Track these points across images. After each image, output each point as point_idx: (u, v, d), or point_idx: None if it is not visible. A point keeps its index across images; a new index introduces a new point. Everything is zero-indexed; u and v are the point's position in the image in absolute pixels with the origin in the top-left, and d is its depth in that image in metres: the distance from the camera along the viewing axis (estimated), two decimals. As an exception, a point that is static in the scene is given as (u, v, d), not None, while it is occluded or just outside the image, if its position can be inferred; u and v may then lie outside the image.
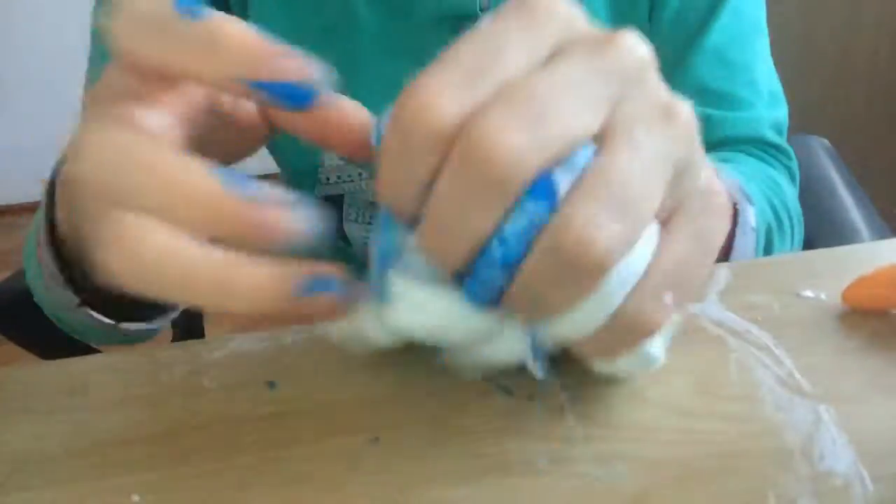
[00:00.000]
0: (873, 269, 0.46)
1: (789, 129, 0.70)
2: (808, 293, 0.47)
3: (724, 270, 0.50)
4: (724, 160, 0.60)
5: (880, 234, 0.77)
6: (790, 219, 0.58)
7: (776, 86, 0.68)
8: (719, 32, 0.64)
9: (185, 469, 0.38)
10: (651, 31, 0.64)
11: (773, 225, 0.56)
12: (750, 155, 0.63)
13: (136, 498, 0.36)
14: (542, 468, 0.37)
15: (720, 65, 0.64)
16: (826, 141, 0.92)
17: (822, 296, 0.47)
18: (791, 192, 0.62)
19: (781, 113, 0.66)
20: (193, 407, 0.41)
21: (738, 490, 0.35)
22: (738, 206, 0.49)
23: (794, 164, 0.65)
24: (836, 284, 0.46)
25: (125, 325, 0.47)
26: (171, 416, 0.41)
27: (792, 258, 0.52)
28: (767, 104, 0.65)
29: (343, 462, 0.38)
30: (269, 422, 0.40)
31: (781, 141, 0.64)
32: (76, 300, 0.45)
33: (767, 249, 0.54)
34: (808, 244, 0.77)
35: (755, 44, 0.67)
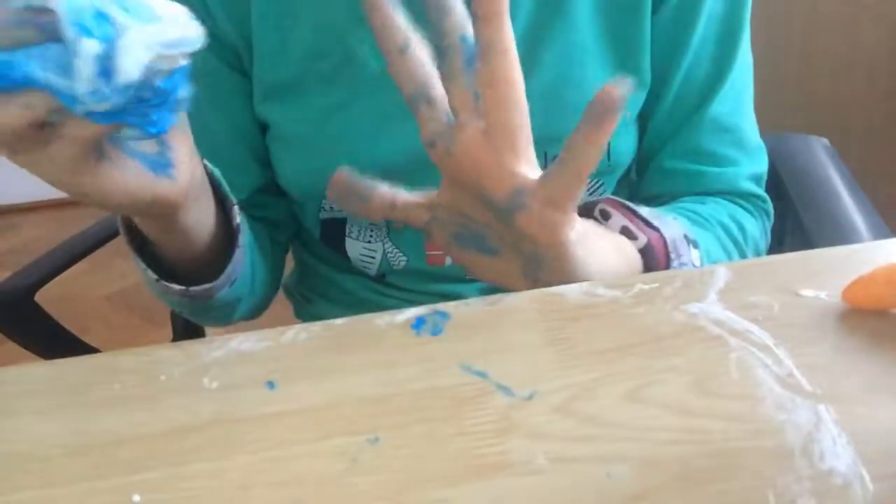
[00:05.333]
0: (873, 268, 0.46)
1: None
2: (808, 293, 0.47)
3: (723, 270, 0.50)
4: (689, 210, 0.67)
5: (880, 234, 0.77)
6: (741, 253, 0.68)
7: (757, 137, 0.74)
8: (719, 104, 0.69)
9: (185, 469, 0.38)
10: (652, 100, 0.69)
11: (721, 258, 0.64)
12: (725, 201, 0.71)
13: (136, 498, 0.37)
14: (542, 468, 0.37)
15: (716, 131, 0.70)
16: (826, 141, 0.92)
17: (822, 295, 0.47)
18: (756, 231, 0.71)
19: (761, 164, 0.73)
20: (193, 407, 0.41)
21: (738, 490, 0.35)
22: (670, 254, 0.56)
23: (769, 206, 0.74)
24: (836, 284, 0.46)
25: (193, 289, 0.57)
26: (171, 416, 0.41)
27: (792, 258, 0.52)
28: (750, 159, 0.72)
29: (343, 462, 0.38)
30: (269, 422, 0.40)
31: (758, 190, 0.72)
32: (154, 276, 0.56)
33: None
34: (808, 244, 0.77)
35: (746, 104, 0.73)
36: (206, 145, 0.65)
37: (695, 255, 0.58)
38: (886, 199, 1.06)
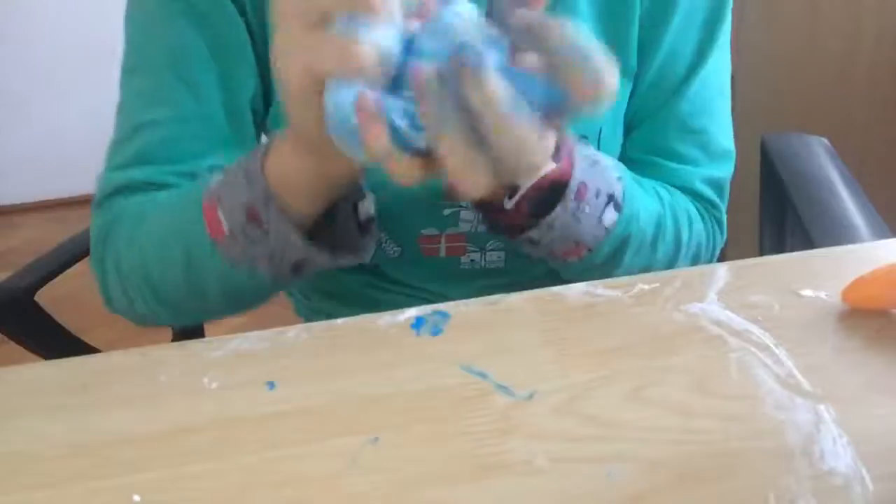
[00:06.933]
0: (873, 268, 0.46)
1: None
2: (808, 293, 0.47)
3: (723, 270, 0.50)
4: (643, 185, 0.66)
5: (880, 234, 0.77)
6: (676, 247, 0.66)
7: (728, 143, 0.73)
8: (688, 102, 0.69)
9: (185, 469, 0.38)
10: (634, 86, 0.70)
11: (635, 241, 0.61)
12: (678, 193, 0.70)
13: (136, 498, 0.37)
14: (542, 468, 0.37)
15: (681, 130, 0.70)
16: (826, 141, 0.92)
17: (822, 295, 0.47)
18: (700, 231, 0.69)
19: (724, 170, 0.73)
20: (193, 407, 0.41)
21: (738, 490, 0.35)
22: (584, 194, 0.54)
23: (722, 215, 0.72)
24: (836, 284, 0.46)
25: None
26: (171, 416, 0.41)
27: (792, 258, 0.52)
28: (711, 162, 0.71)
29: (343, 462, 0.38)
30: (269, 422, 0.40)
31: (713, 195, 0.71)
32: (301, 240, 0.50)
33: (617, 255, 0.60)
34: (809, 244, 0.77)
35: (716, 109, 0.72)
36: (201, 118, 0.64)
37: (611, 216, 0.57)
38: (886, 199, 1.06)
